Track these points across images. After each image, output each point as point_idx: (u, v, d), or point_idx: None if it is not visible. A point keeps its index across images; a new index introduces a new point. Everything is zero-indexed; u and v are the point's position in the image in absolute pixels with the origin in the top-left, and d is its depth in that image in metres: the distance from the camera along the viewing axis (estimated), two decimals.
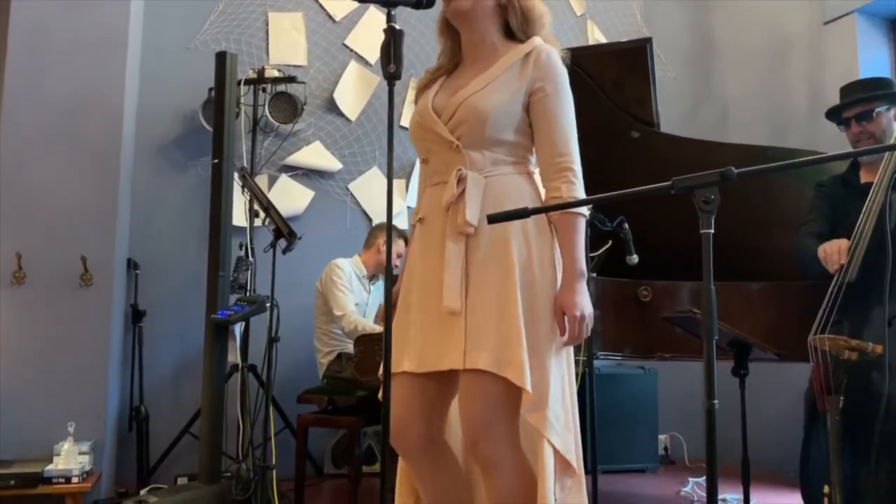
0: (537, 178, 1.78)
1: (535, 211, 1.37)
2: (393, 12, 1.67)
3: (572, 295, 1.63)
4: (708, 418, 1.24)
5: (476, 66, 1.79)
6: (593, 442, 2.58)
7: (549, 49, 1.75)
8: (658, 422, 4.26)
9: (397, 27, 1.62)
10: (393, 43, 1.64)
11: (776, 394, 3.53)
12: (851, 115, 2.53)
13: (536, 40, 1.77)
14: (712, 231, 1.28)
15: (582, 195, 1.70)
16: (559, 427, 1.62)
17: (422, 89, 1.88)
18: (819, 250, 2.43)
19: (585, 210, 1.72)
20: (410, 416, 1.71)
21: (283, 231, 2.71)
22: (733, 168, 1.27)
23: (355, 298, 3.66)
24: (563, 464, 1.64)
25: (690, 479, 3.89)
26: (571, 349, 1.74)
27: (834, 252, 2.35)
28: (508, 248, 1.66)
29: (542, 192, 1.77)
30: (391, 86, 1.64)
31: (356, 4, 3.78)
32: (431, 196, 1.78)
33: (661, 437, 4.47)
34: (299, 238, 2.77)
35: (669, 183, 1.31)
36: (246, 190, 3.18)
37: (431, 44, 4.50)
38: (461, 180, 1.69)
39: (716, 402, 1.24)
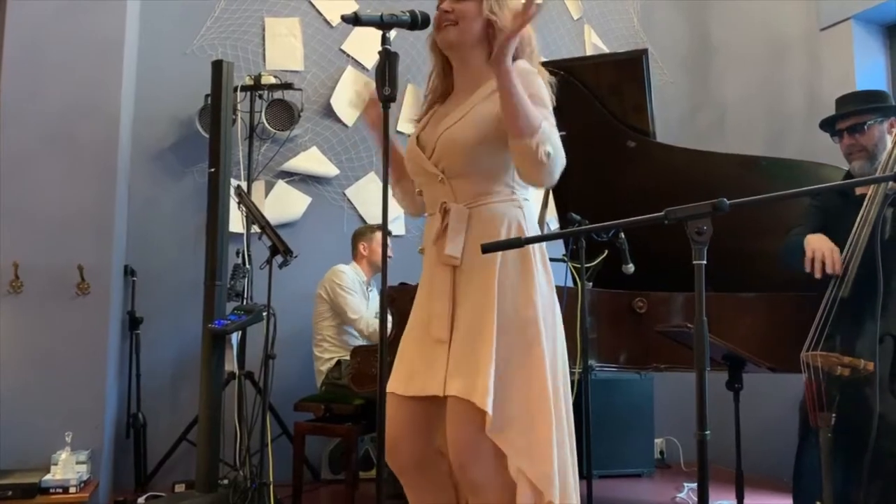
0: (529, 206, 1.78)
1: (529, 241, 1.38)
2: (388, 35, 1.68)
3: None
4: (699, 449, 1.26)
5: (463, 94, 1.81)
6: (588, 447, 2.59)
7: (519, 67, 1.68)
8: (654, 426, 4.28)
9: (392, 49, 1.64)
10: (388, 66, 1.64)
11: (772, 397, 3.54)
12: (844, 127, 2.54)
13: (517, 63, 1.70)
14: (704, 262, 1.30)
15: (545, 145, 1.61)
16: (531, 453, 1.62)
17: (418, 122, 1.90)
18: (806, 245, 2.41)
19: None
20: (400, 434, 1.75)
21: (280, 249, 2.74)
22: (726, 199, 1.29)
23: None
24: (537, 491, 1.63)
25: (686, 485, 3.91)
26: (560, 371, 1.72)
27: (829, 256, 2.32)
28: (493, 277, 1.67)
29: (532, 219, 1.77)
30: (386, 108, 1.65)
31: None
32: (427, 227, 1.84)
33: (657, 441, 4.49)
34: (295, 256, 2.80)
35: (662, 213, 1.32)
36: (242, 206, 3.20)
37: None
38: (445, 213, 1.73)
39: (707, 433, 1.26)
